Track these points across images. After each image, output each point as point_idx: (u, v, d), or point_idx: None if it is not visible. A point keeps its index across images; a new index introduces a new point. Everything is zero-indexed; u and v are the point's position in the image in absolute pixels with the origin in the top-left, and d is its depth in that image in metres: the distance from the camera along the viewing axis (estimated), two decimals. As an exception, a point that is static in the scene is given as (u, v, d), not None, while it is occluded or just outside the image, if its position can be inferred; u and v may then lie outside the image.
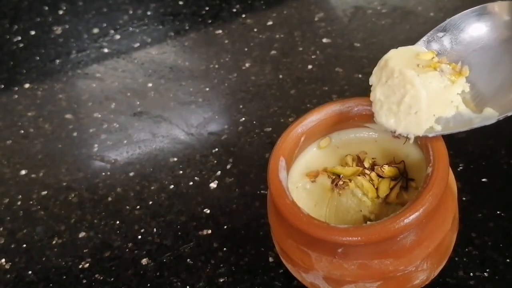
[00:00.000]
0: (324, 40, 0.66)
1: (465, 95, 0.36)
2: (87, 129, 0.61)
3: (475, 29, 0.38)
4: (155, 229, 0.49)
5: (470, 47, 0.38)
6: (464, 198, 0.45)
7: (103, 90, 0.66)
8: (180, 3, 0.77)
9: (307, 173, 0.40)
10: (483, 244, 0.43)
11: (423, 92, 0.34)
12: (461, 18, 0.38)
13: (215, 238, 0.47)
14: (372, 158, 0.39)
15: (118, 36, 0.74)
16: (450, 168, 0.35)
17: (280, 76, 0.62)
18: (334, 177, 0.39)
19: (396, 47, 0.37)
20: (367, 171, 0.38)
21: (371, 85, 0.37)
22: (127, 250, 0.48)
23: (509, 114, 0.34)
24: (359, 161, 0.39)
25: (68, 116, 0.63)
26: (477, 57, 0.37)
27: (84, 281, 0.47)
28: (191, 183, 0.53)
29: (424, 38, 0.38)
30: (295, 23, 0.69)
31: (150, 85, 0.65)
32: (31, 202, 0.54)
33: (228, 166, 0.54)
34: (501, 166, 0.48)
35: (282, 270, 0.44)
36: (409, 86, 0.34)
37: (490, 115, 0.34)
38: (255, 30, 0.70)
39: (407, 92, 0.34)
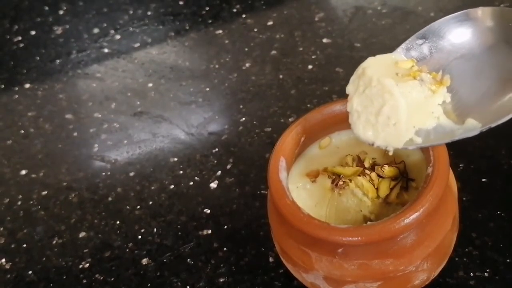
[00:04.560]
0: (325, 40, 0.66)
1: (446, 106, 0.34)
2: (88, 129, 0.61)
3: (457, 36, 0.36)
4: (155, 229, 0.49)
5: (451, 55, 0.36)
6: (464, 198, 0.45)
7: (104, 90, 0.66)
8: (181, 3, 0.77)
9: (307, 173, 0.40)
10: (483, 244, 0.43)
11: (403, 102, 0.33)
12: (441, 24, 0.36)
13: (215, 238, 0.48)
14: (372, 158, 0.39)
15: (118, 36, 0.74)
16: (450, 168, 0.35)
17: (281, 76, 0.62)
18: (334, 177, 0.39)
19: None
20: (367, 171, 0.38)
21: (348, 95, 0.35)
22: (127, 250, 0.48)
23: (492, 125, 0.32)
24: (359, 161, 0.39)
25: (69, 116, 0.63)
26: (458, 66, 0.35)
27: (84, 281, 0.47)
28: (191, 183, 0.53)
29: (403, 45, 0.36)
30: (295, 23, 0.69)
31: (150, 85, 0.65)
32: (31, 202, 0.54)
33: (228, 166, 0.54)
34: (501, 166, 0.48)
35: (282, 270, 0.44)
36: (387, 96, 0.33)
37: (472, 127, 0.32)
38: (256, 30, 0.70)
39: (386, 102, 0.33)
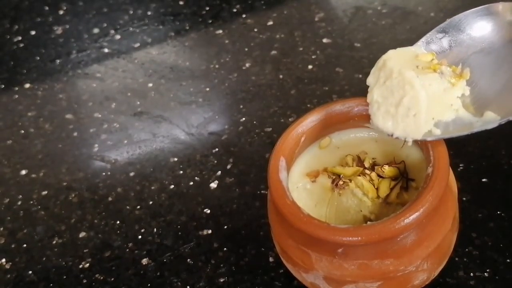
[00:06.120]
0: (325, 40, 0.66)
1: (465, 99, 0.35)
2: (88, 129, 0.61)
3: (477, 30, 0.37)
4: (155, 229, 0.49)
5: (471, 49, 0.36)
6: (464, 198, 0.45)
7: (104, 90, 0.66)
8: (181, 3, 0.77)
9: (307, 173, 0.40)
10: (483, 244, 0.43)
11: (423, 93, 0.33)
12: (461, 18, 0.37)
13: (215, 238, 0.48)
14: (372, 158, 0.39)
15: (118, 36, 0.74)
16: (450, 168, 0.35)
17: (281, 76, 0.62)
18: (334, 177, 0.39)
19: (397, 47, 0.37)
20: (367, 171, 0.38)
21: (369, 86, 0.36)
22: (127, 250, 0.48)
23: (511, 118, 0.33)
24: (359, 161, 0.39)
25: (69, 116, 0.63)
26: (478, 59, 0.36)
27: (85, 281, 0.47)
28: (191, 183, 0.53)
29: (423, 39, 0.37)
30: (295, 23, 0.69)
31: (150, 85, 0.65)
32: (32, 202, 0.54)
33: (229, 166, 0.54)
34: (501, 166, 0.48)
35: (282, 270, 0.44)
36: (408, 87, 0.33)
37: (491, 119, 0.33)
38: (256, 30, 0.70)
39: (406, 93, 0.33)
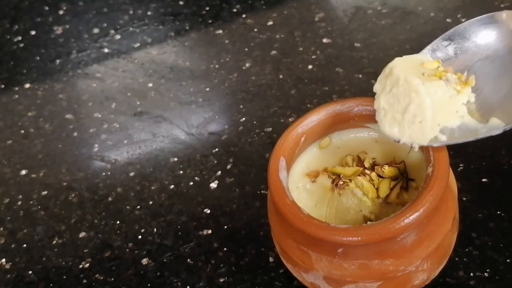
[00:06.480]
0: (325, 40, 0.66)
1: (470, 105, 0.35)
2: (88, 129, 0.61)
3: (482, 38, 0.37)
4: (155, 229, 0.49)
5: (476, 56, 0.37)
6: (464, 198, 0.45)
7: (104, 90, 0.66)
8: (181, 3, 0.77)
9: (307, 173, 0.40)
10: (483, 244, 0.43)
11: (428, 101, 0.34)
12: (466, 26, 0.37)
13: (215, 238, 0.48)
14: (373, 158, 0.39)
15: (118, 36, 0.74)
16: (450, 168, 0.36)
17: (281, 76, 0.62)
18: (334, 177, 0.39)
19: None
20: (367, 171, 0.38)
21: (375, 93, 0.36)
22: (127, 250, 0.48)
23: None
24: (359, 161, 0.39)
25: (69, 116, 0.63)
26: (483, 67, 0.37)
27: (85, 281, 0.47)
28: (191, 183, 0.53)
29: (429, 46, 0.37)
30: (295, 23, 0.69)
31: (150, 85, 0.65)
32: (32, 202, 0.54)
33: (229, 166, 0.54)
34: (501, 166, 0.48)
35: (282, 270, 0.44)
36: (414, 95, 0.34)
37: (496, 125, 0.34)
38: (256, 30, 0.70)
39: (412, 100, 0.34)
